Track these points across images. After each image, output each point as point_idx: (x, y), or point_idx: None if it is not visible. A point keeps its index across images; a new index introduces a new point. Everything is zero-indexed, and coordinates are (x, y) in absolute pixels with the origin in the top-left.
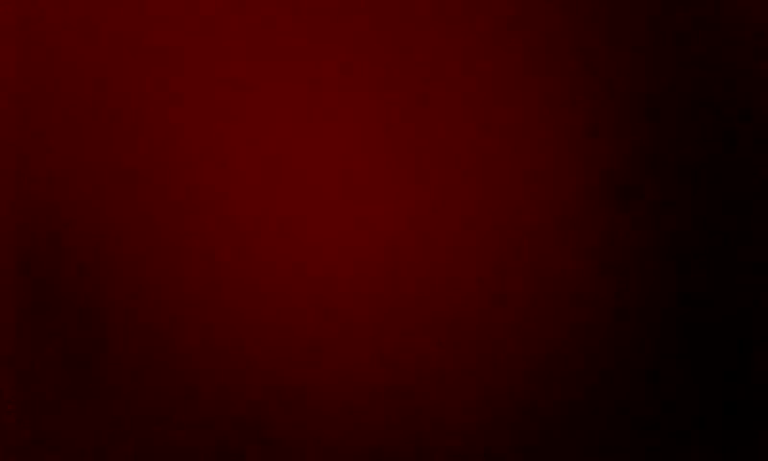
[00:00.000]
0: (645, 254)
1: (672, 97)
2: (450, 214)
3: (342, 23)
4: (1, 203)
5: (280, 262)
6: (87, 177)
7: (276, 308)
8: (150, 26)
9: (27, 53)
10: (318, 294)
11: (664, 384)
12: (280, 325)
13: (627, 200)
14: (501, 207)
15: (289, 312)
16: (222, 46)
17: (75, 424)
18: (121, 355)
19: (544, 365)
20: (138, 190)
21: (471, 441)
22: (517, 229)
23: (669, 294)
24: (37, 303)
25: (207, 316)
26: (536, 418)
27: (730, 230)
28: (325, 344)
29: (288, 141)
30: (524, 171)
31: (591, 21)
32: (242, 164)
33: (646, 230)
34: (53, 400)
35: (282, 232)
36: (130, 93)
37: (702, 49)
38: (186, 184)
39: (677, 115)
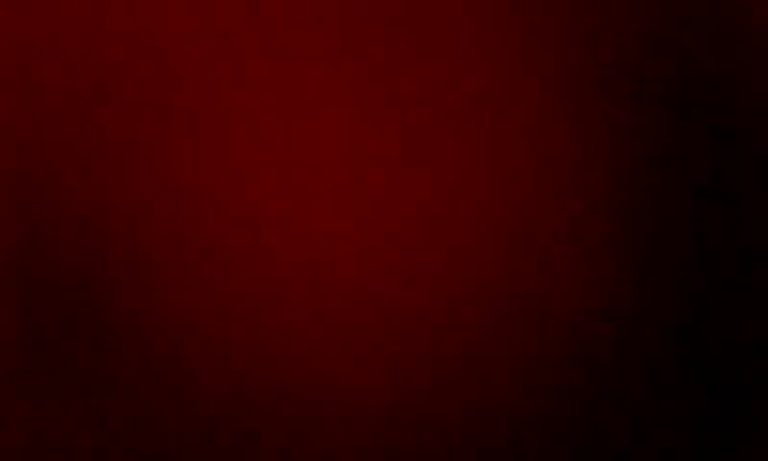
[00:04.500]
0: (649, 254)
1: (673, 96)
2: (449, 214)
3: (343, 19)
4: (1, 205)
5: (280, 262)
6: (88, 178)
7: (277, 309)
8: (149, 27)
9: (27, 53)
10: (318, 294)
11: (665, 386)
12: (282, 325)
13: (632, 199)
14: (500, 207)
15: (290, 312)
16: (221, 45)
17: (75, 424)
18: (121, 356)
19: (547, 365)
20: (140, 191)
21: (472, 442)
22: (517, 228)
23: (672, 294)
24: (38, 304)
25: (209, 319)
26: (536, 418)
27: (731, 230)
28: (325, 344)
29: (288, 139)
30: (525, 171)
31: (591, 18)
32: (242, 165)
33: (648, 230)
34: (53, 400)
35: (282, 231)
36: (130, 95)
37: (704, 48)
38: (187, 184)
39: (677, 115)
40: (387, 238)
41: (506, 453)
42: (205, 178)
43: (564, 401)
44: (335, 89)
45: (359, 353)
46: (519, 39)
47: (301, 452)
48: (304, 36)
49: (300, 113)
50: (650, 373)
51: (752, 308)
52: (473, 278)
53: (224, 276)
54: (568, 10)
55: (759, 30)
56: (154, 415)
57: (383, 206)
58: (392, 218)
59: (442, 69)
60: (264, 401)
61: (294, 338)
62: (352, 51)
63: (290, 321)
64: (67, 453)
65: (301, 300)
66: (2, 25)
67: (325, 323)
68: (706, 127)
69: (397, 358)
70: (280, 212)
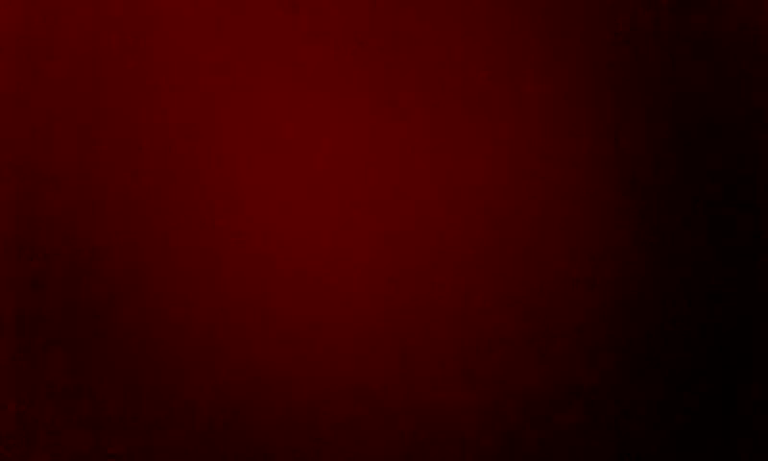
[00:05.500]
0: (647, 254)
1: (673, 96)
2: (448, 216)
3: (344, 21)
4: (1, 204)
5: (279, 262)
6: (88, 178)
7: (276, 310)
8: (150, 27)
9: (27, 54)
10: (315, 294)
11: (666, 385)
12: (281, 327)
13: (629, 200)
14: (499, 207)
15: (289, 313)
16: (221, 48)
17: (75, 423)
18: (121, 356)
19: (547, 365)
20: (139, 192)
21: (469, 441)
22: (516, 229)
23: (674, 294)
24: (38, 303)
25: (208, 319)
26: (536, 418)
27: (731, 229)
28: (327, 346)
29: (287, 140)
30: (525, 171)
31: (593, 20)
32: (241, 166)
33: (647, 230)
34: (53, 399)
35: (281, 232)
36: (129, 96)
37: (706, 51)
38: (186, 185)
39: (677, 114)
40: (392, 241)
41: (507, 453)
42: (206, 177)
43: (565, 400)
44: (336, 91)
45: (361, 355)
46: (526, 43)
47: (301, 452)
48: (304, 36)
49: (301, 114)
50: (650, 372)
51: (753, 308)
52: (477, 278)
53: (227, 278)
54: (572, 11)
55: (760, 31)
56: (152, 415)
57: (387, 208)
58: (396, 220)
59: (446, 70)
60: (264, 402)
61: (296, 340)
62: (353, 54)
63: (293, 323)
64: (65, 453)
65: (305, 301)
66: (2, 24)
67: (330, 326)
68: (708, 128)
69: (399, 360)
70: (281, 213)
